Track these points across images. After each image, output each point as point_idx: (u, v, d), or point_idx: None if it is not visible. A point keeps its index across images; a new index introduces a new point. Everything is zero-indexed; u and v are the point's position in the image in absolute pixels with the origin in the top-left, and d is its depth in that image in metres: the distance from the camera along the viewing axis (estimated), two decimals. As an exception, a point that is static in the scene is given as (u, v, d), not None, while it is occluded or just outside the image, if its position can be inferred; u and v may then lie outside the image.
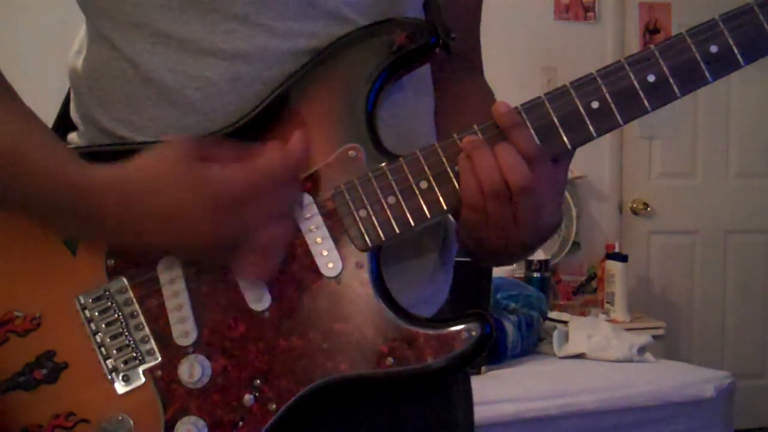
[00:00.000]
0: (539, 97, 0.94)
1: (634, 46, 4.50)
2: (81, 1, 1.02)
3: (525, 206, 0.91)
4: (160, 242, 0.89)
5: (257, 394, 0.92)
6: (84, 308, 0.94)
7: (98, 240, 0.94)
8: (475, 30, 1.18)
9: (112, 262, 0.94)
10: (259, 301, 0.93)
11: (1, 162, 0.89)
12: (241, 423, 0.91)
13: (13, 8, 3.59)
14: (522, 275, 3.97)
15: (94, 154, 0.93)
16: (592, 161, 4.34)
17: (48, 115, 1.02)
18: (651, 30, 4.58)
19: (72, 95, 1.06)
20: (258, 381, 0.92)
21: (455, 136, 0.94)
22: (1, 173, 0.89)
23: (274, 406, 0.91)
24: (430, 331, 0.92)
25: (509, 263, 1.03)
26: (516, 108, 0.93)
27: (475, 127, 0.94)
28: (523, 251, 0.97)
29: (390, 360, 0.92)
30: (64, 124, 1.06)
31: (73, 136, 1.05)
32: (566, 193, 3.79)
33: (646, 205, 4.62)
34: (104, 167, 0.89)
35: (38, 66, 2.69)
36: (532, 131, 0.92)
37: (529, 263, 3.96)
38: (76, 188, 0.88)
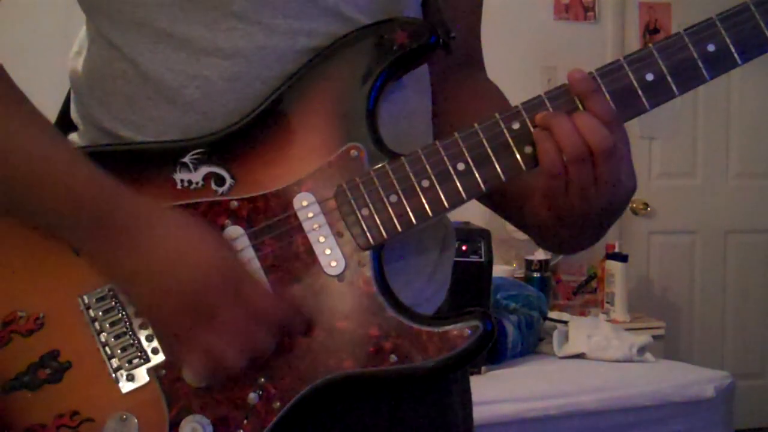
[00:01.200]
0: (539, 96, 0.95)
1: (634, 46, 4.49)
2: (81, 1, 1.02)
3: (607, 169, 0.92)
4: (147, 276, 0.89)
5: (261, 392, 0.92)
6: (88, 308, 0.94)
7: (95, 255, 0.92)
8: (475, 28, 1.18)
9: (106, 280, 0.94)
10: None
11: (10, 165, 0.89)
12: (245, 421, 0.92)
13: (13, 8, 3.59)
14: (522, 275, 3.97)
15: (94, 154, 0.94)
16: (592, 161, 4.33)
17: (48, 116, 1.02)
18: (651, 30, 4.58)
19: (72, 95, 1.07)
20: (262, 379, 0.92)
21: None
22: (9, 176, 0.90)
23: (278, 404, 0.92)
24: (433, 329, 0.92)
25: (587, 237, 1.01)
26: (590, 73, 0.94)
27: (543, 95, 0.95)
28: (604, 217, 0.97)
29: (393, 357, 0.92)
30: (64, 124, 1.06)
31: (73, 137, 1.05)
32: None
33: (646, 205, 4.62)
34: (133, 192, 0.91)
35: (38, 66, 2.69)
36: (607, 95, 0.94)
37: (529, 263, 3.96)
38: (100, 191, 0.89)
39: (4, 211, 0.94)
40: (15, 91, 0.93)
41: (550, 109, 0.94)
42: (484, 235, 3.12)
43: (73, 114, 1.06)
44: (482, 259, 3.10)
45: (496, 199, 1.06)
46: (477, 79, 1.18)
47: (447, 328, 0.92)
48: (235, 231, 0.94)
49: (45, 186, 0.89)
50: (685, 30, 0.94)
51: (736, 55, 0.94)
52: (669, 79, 0.94)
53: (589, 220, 0.96)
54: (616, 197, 0.95)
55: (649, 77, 0.94)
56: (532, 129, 0.95)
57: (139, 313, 0.93)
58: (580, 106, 0.94)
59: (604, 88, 0.94)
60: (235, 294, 0.88)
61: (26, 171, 0.89)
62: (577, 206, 0.95)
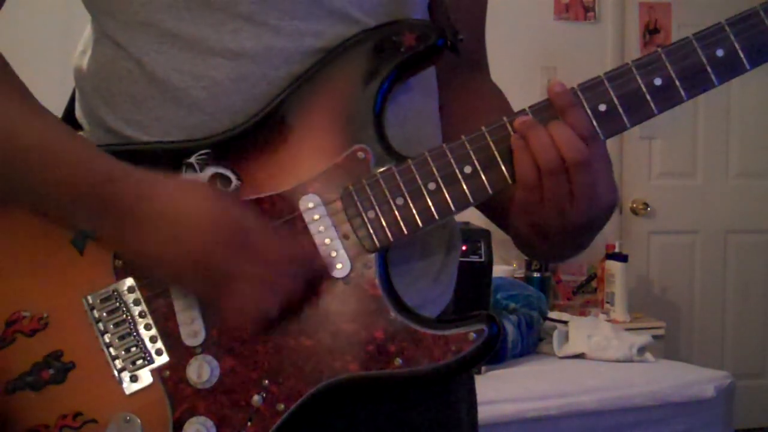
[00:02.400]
0: (545, 100, 0.95)
1: (634, 46, 4.50)
2: (86, 1, 1.02)
3: (582, 181, 0.92)
4: (158, 247, 0.89)
5: (265, 394, 0.92)
6: (92, 308, 0.94)
7: (105, 236, 0.93)
8: (480, 30, 1.18)
9: (120, 262, 0.94)
10: None
11: (16, 153, 0.90)
12: (249, 423, 0.91)
13: (16, 8, 3.58)
14: (522, 275, 3.97)
15: None
16: (592, 161, 4.33)
17: (52, 115, 1.02)
18: (651, 30, 4.58)
19: (77, 95, 1.06)
20: (266, 381, 0.92)
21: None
22: (15, 164, 0.90)
23: (282, 406, 0.92)
24: (438, 332, 0.92)
25: (567, 250, 1.01)
26: (572, 88, 0.94)
27: (527, 108, 0.95)
28: (581, 232, 0.97)
29: (398, 360, 0.92)
30: (69, 123, 1.06)
31: (78, 136, 1.05)
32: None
33: (646, 205, 4.62)
34: (131, 165, 0.91)
35: (43, 66, 2.68)
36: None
37: (529, 263, 3.96)
38: (100, 170, 0.89)
39: (9, 196, 0.95)
40: (15, 81, 0.94)
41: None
42: (484, 235, 3.12)
43: (78, 113, 1.06)
44: (482, 259, 3.10)
45: (484, 205, 1.06)
46: (480, 81, 1.18)
47: (452, 331, 0.92)
48: None
49: (49, 170, 0.90)
50: (694, 35, 0.94)
51: (744, 60, 0.94)
52: (677, 83, 0.94)
53: (566, 233, 0.96)
54: (593, 211, 0.94)
55: (658, 82, 0.94)
56: (511, 132, 0.94)
57: (166, 283, 0.94)
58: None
59: (585, 103, 0.94)
60: (245, 246, 0.88)
61: (30, 157, 0.90)
62: (554, 219, 0.94)
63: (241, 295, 0.89)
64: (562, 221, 0.94)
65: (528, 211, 0.95)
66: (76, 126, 1.05)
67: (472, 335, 0.92)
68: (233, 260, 0.88)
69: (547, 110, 0.94)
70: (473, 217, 3.74)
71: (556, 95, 0.93)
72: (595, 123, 0.93)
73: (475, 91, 1.15)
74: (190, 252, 0.88)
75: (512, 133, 0.94)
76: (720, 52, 0.93)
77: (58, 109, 1.08)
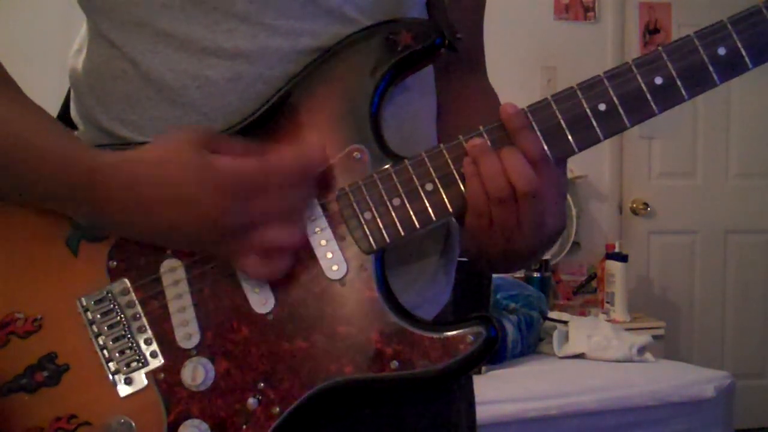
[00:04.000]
0: (546, 99, 0.94)
1: (634, 46, 4.50)
2: (81, 1, 1.01)
3: (530, 211, 0.91)
4: (162, 227, 0.89)
5: (260, 397, 0.91)
6: (86, 310, 0.93)
7: (102, 224, 0.92)
8: (478, 30, 1.18)
9: (114, 263, 0.94)
10: (263, 303, 0.92)
11: (8, 148, 0.89)
12: (244, 426, 0.91)
13: (13, 8, 3.58)
14: (522, 275, 3.97)
15: None
16: (592, 161, 4.34)
17: (48, 115, 1.02)
18: (651, 30, 4.58)
19: (72, 95, 1.06)
20: (261, 384, 0.91)
21: (461, 138, 0.94)
22: (8, 159, 0.90)
23: (277, 409, 0.91)
24: (435, 335, 0.91)
25: (510, 271, 1.03)
26: (523, 110, 0.93)
27: (481, 128, 0.94)
28: (526, 258, 0.97)
29: (395, 363, 0.91)
30: (64, 123, 1.06)
31: (73, 136, 1.04)
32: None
33: (646, 205, 4.62)
34: (112, 152, 0.90)
35: (38, 65, 2.68)
36: (539, 133, 0.92)
37: (529, 263, 3.97)
38: (83, 167, 0.88)
39: (3, 191, 0.94)
40: (3, 74, 0.94)
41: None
42: (484, 235, 3.12)
43: (73, 113, 1.05)
44: (482, 259, 3.09)
45: None
46: (477, 80, 1.17)
47: (449, 334, 0.91)
48: None
49: (39, 166, 0.89)
50: (695, 33, 0.93)
51: (747, 59, 0.93)
52: (678, 82, 0.93)
53: (510, 258, 0.96)
54: (539, 238, 0.94)
55: (658, 81, 0.93)
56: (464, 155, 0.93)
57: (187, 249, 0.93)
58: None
59: (536, 126, 0.92)
60: (237, 192, 0.87)
61: (12, 148, 0.89)
62: (500, 245, 0.93)
63: (261, 239, 0.88)
64: (506, 247, 0.93)
65: (476, 235, 0.94)
66: (71, 126, 1.05)
67: (470, 338, 0.91)
68: (240, 208, 0.87)
69: (501, 130, 0.93)
70: (473, 217, 3.72)
71: (507, 117, 0.92)
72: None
73: (468, 90, 1.14)
74: (195, 216, 0.87)
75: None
76: (722, 51, 0.92)
77: (54, 110, 1.08)
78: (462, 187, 0.93)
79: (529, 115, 0.92)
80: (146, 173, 0.87)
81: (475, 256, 0.98)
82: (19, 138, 0.89)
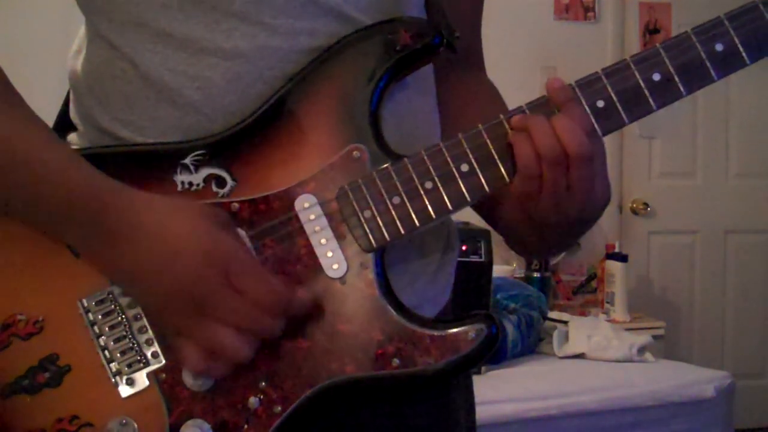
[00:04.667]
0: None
1: (634, 46, 4.50)
2: (80, 2, 1.01)
3: (580, 175, 0.91)
4: (142, 270, 0.88)
5: (262, 396, 0.91)
6: (87, 311, 0.93)
7: (91, 254, 0.92)
8: (476, 27, 1.18)
9: (107, 277, 0.94)
10: None
11: (7, 167, 0.89)
12: (246, 425, 0.91)
13: (13, 8, 3.58)
14: (522, 275, 3.97)
15: (94, 156, 0.93)
16: (592, 161, 4.33)
17: (48, 116, 1.02)
18: (651, 30, 4.58)
19: (71, 96, 1.06)
20: (263, 383, 0.91)
21: (460, 135, 0.94)
22: (7, 177, 0.89)
23: (279, 408, 0.91)
24: (436, 332, 0.92)
25: (557, 244, 1.02)
26: (570, 84, 0.94)
27: (523, 106, 0.94)
28: (574, 227, 0.97)
29: (396, 361, 0.91)
30: (63, 124, 1.06)
31: (72, 137, 1.04)
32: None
33: (646, 205, 4.61)
34: (123, 187, 0.90)
35: (38, 66, 2.68)
36: (587, 108, 0.93)
37: (529, 263, 3.96)
38: (91, 191, 0.88)
39: (1, 209, 0.94)
40: (11, 91, 0.93)
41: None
42: (484, 235, 3.12)
43: (73, 114, 1.05)
44: (482, 259, 3.10)
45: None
46: (477, 77, 1.17)
47: (451, 331, 0.92)
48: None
49: (40, 185, 0.89)
50: (692, 29, 0.93)
51: (744, 54, 0.93)
52: (676, 79, 0.93)
53: (560, 227, 0.96)
54: (588, 207, 0.94)
55: (656, 77, 0.93)
56: (508, 130, 0.94)
57: (142, 311, 0.92)
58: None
59: (584, 101, 0.93)
60: (226, 278, 0.86)
61: (22, 170, 0.89)
62: (550, 211, 0.94)
63: (217, 330, 0.87)
64: (557, 215, 0.94)
65: (525, 202, 0.94)
66: (71, 127, 1.05)
67: (471, 335, 0.91)
68: (220, 292, 0.86)
69: (543, 107, 0.94)
70: (473, 217, 3.72)
71: (555, 91, 0.93)
72: (593, 120, 0.93)
73: (471, 88, 1.14)
74: (176, 278, 0.87)
75: (509, 130, 0.94)
76: (719, 47, 0.93)
77: (54, 110, 1.08)
78: (461, 185, 0.93)
79: (576, 89, 0.93)
80: (154, 215, 0.88)
81: (522, 228, 0.98)
82: (19, 152, 0.89)
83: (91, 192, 0.88)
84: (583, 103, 0.93)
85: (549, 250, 1.04)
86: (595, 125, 0.93)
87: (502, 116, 0.94)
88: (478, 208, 1.07)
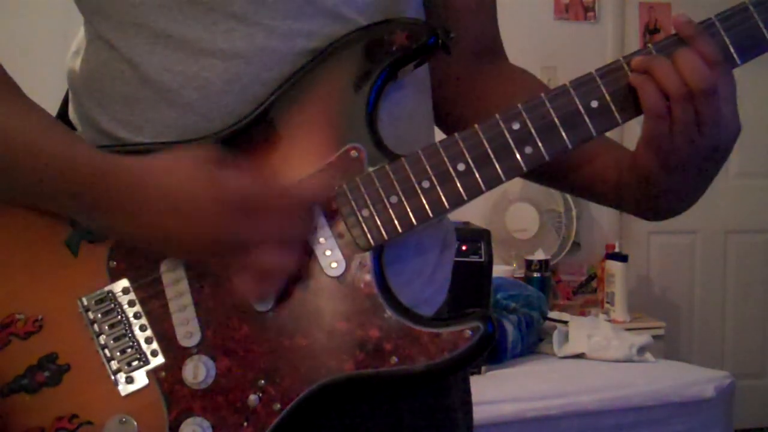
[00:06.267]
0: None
1: (634, 46, 4.49)
2: (79, 2, 1.02)
3: (707, 109, 0.92)
4: (161, 234, 0.88)
5: (261, 394, 0.92)
6: (87, 310, 0.94)
7: (101, 226, 0.92)
8: (492, 16, 1.18)
9: (114, 263, 0.94)
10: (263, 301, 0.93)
11: (9, 147, 0.89)
12: (245, 423, 0.91)
13: (12, 9, 3.59)
14: (522, 275, 3.97)
15: None
16: (592, 161, 4.33)
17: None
18: (651, 30, 4.58)
19: (70, 96, 1.06)
20: (262, 381, 0.92)
21: (497, 116, 0.94)
22: (9, 158, 0.89)
23: (278, 406, 0.91)
24: (434, 330, 0.92)
25: (688, 186, 1.02)
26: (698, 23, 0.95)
27: (650, 45, 0.95)
28: (709, 162, 0.97)
29: (394, 359, 0.92)
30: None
31: (72, 137, 1.04)
32: (566, 194, 3.79)
33: (646, 205, 4.61)
34: (120, 155, 0.91)
35: (37, 67, 2.68)
36: (728, 39, 0.94)
37: (529, 263, 3.96)
38: (90, 168, 0.88)
39: (3, 192, 0.94)
40: (4, 75, 0.94)
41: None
42: (484, 235, 3.12)
43: (71, 115, 1.05)
44: (482, 259, 3.10)
45: (551, 171, 1.06)
46: (500, 65, 1.18)
47: (448, 329, 0.92)
48: None
49: (41, 167, 0.89)
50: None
51: (735, 55, 0.94)
52: (730, 49, 0.94)
53: (692, 163, 0.96)
54: (719, 138, 0.95)
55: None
56: (628, 72, 0.95)
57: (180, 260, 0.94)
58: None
59: (723, 33, 0.94)
60: (243, 211, 0.87)
61: (22, 152, 0.89)
62: (683, 148, 0.95)
63: (257, 260, 0.88)
64: (690, 149, 0.95)
65: (658, 142, 0.96)
66: (70, 128, 1.05)
67: (468, 333, 0.92)
68: (242, 226, 0.87)
69: (671, 46, 0.95)
70: (473, 217, 3.73)
71: (681, 25, 0.94)
72: (732, 49, 0.94)
73: (495, 75, 1.15)
74: (198, 233, 0.87)
75: (506, 130, 0.94)
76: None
77: (53, 111, 1.08)
78: (458, 183, 0.94)
79: (716, 22, 0.94)
80: (153, 179, 0.87)
81: (653, 169, 0.98)
82: (20, 137, 0.89)
83: (91, 167, 0.88)
84: (722, 33, 0.94)
85: (684, 198, 1.03)
86: (734, 54, 0.94)
87: (497, 116, 0.95)
88: (563, 180, 1.10)
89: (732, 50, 0.94)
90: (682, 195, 1.03)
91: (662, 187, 1.00)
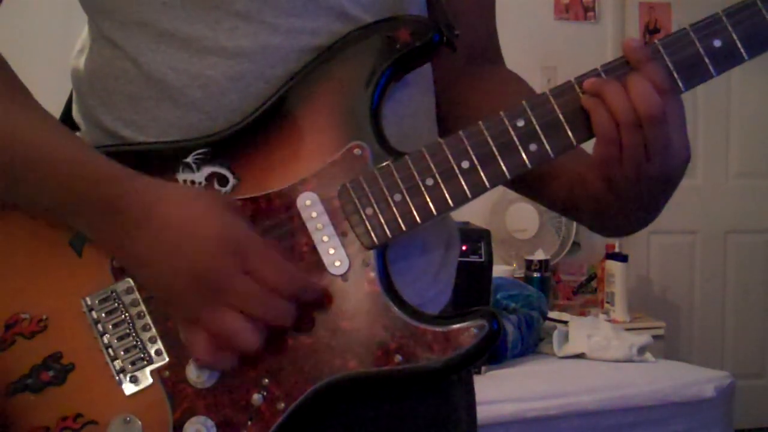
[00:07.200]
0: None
1: (633, 46, 4.49)
2: (83, 1, 1.02)
3: (656, 136, 0.92)
4: (158, 252, 0.88)
5: (265, 393, 0.91)
6: (91, 309, 0.94)
7: (103, 240, 0.92)
8: (491, 19, 1.18)
9: (118, 263, 0.94)
10: None
11: (17, 155, 0.89)
12: (249, 422, 0.91)
13: (15, 8, 3.58)
14: (522, 275, 3.97)
15: None
16: (592, 161, 4.33)
17: (50, 116, 1.02)
18: (651, 30, 4.58)
19: (74, 95, 1.06)
20: (266, 380, 0.91)
21: (502, 114, 0.94)
22: (17, 167, 0.90)
23: (282, 405, 0.91)
24: (438, 328, 0.92)
25: (637, 211, 1.01)
26: (654, 43, 0.94)
27: (598, 68, 0.95)
28: (658, 190, 0.97)
29: (398, 357, 0.91)
30: (66, 124, 1.06)
31: (76, 137, 1.05)
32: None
33: (645, 205, 4.61)
34: (134, 171, 0.91)
35: (41, 66, 2.68)
36: (671, 65, 0.94)
37: (529, 263, 3.97)
38: (101, 174, 0.89)
39: (10, 197, 0.94)
40: (16, 81, 0.94)
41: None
42: (484, 235, 3.13)
43: (75, 114, 1.06)
44: (482, 259, 3.10)
45: (525, 182, 1.06)
46: (497, 69, 1.18)
47: (453, 327, 0.92)
48: None
49: (50, 171, 0.89)
50: (690, 25, 0.94)
51: (742, 50, 0.94)
52: (675, 75, 0.94)
53: (641, 190, 0.96)
54: (668, 165, 0.94)
55: None
56: (580, 94, 0.94)
57: (153, 298, 0.93)
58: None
59: (667, 58, 0.94)
60: (239, 263, 0.86)
61: (31, 156, 0.90)
62: (631, 174, 0.94)
63: (226, 315, 0.87)
64: (637, 175, 0.94)
65: (605, 166, 0.95)
66: (74, 127, 1.05)
67: (473, 330, 0.92)
68: (233, 276, 0.87)
69: (620, 68, 0.94)
70: (473, 217, 3.72)
71: (631, 50, 0.94)
72: (676, 75, 0.93)
73: (493, 79, 1.15)
74: (189, 263, 0.87)
75: (510, 127, 0.94)
76: (717, 43, 0.94)
77: (56, 110, 1.08)
78: (462, 181, 0.94)
79: (660, 47, 0.94)
80: (163, 199, 0.89)
81: (603, 194, 0.98)
82: (30, 147, 0.90)
83: (106, 176, 0.89)
84: (666, 59, 0.94)
85: (626, 220, 1.03)
86: (678, 80, 0.94)
87: (502, 113, 0.94)
88: (531, 188, 1.08)
89: (739, 45, 0.93)
90: (631, 218, 1.02)
91: (611, 209, 1.00)
